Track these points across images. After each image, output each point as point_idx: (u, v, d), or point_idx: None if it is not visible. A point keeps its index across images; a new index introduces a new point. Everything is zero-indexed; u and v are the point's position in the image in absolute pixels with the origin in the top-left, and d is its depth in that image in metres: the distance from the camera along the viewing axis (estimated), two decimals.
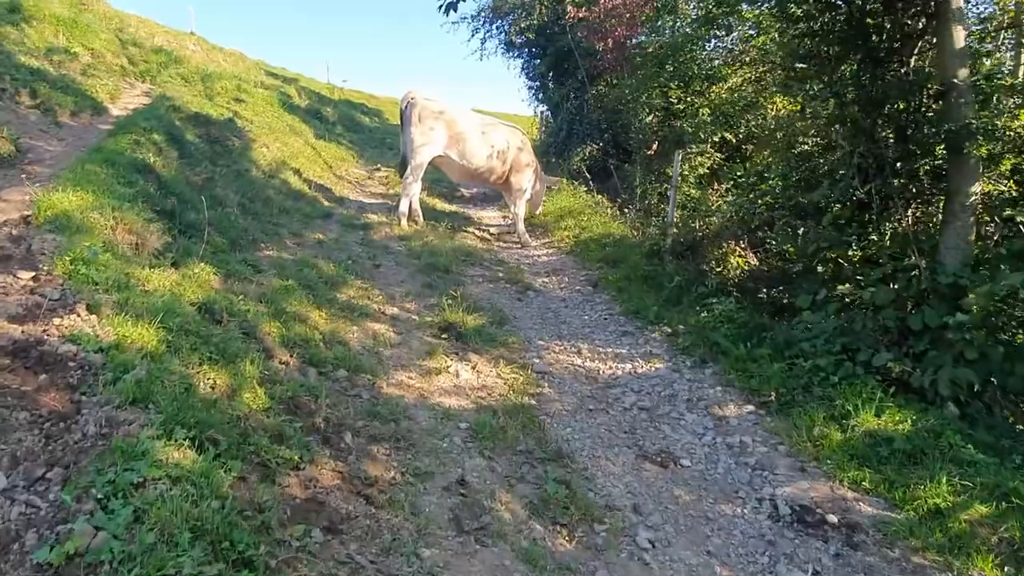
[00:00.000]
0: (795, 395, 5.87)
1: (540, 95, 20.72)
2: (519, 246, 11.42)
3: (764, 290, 8.10)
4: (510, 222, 12.86)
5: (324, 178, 12.60)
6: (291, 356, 4.99)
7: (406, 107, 10.87)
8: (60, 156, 7.64)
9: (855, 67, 6.71)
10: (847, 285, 6.69)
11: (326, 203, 10.99)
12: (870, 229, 6.79)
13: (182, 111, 9.78)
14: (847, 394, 5.46)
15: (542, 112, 20.67)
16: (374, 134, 22.12)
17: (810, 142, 7.56)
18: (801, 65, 7.44)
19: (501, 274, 9.37)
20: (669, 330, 7.56)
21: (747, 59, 12.06)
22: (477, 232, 11.85)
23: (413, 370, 5.79)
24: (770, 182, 9.06)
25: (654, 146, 14.23)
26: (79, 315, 3.80)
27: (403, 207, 10.80)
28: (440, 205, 13.54)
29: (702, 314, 7.55)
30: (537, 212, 12.43)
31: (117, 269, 4.68)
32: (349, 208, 11.43)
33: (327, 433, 4.17)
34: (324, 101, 22.89)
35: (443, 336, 6.64)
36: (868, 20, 6.47)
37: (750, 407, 5.94)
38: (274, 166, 10.70)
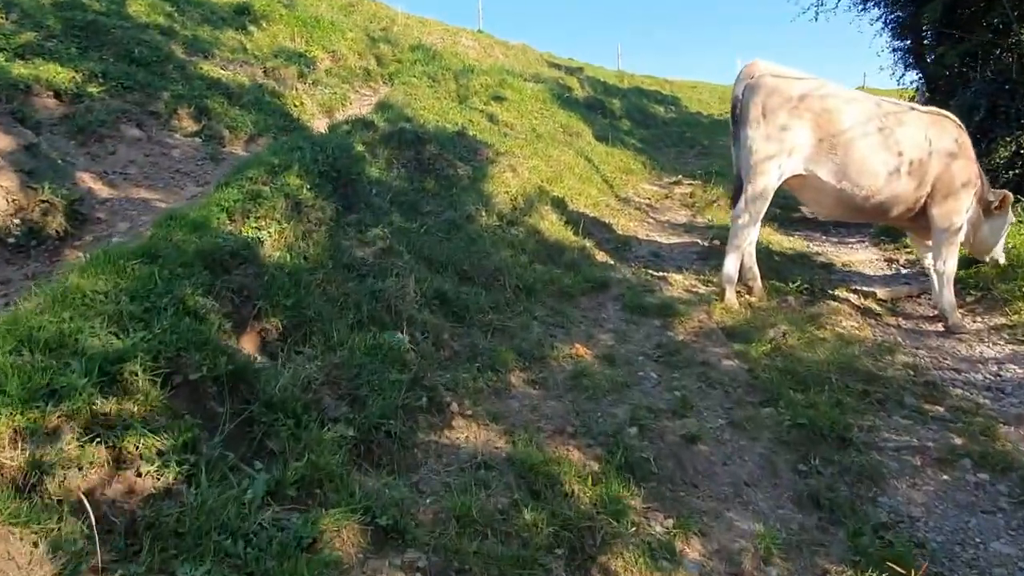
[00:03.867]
0: None
1: (910, 60, 14.16)
2: (942, 330, 6.02)
3: None
4: (915, 271, 7.41)
5: (600, 206, 8.31)
6: None
7: (744, 92, 6.06)
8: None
9: None
10: None
11: (600, 257, 6.67)
12: None
13: (376, 128, 6.19)
14: None
15: (918, 84, 14.08)
16: (669, 127, 17.38)
17: None
18: None
19: (956, 437, 4.20)
20: None
21: None
22: (852, 298, 6.62)
23: None
24: None
25: None
26: None
27: (729, 268, 6.04)
28: (775, 239, 8.45)
29: None
30: (995, 260, 6.56)
31: None
32: (636, 262, 6.97)
33: None
34: (610, 91, 18.71)
35: None
36: None
37: None
38: (521, 201, 6.66)
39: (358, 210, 4.91)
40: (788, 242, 8.53)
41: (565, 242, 6.41)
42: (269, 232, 4.02)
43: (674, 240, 8.05)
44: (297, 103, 7.92)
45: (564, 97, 13.98)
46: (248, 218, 4.05)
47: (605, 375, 4.30)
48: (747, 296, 6.23)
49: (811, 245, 8.56)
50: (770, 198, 6.01)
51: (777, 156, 5.85)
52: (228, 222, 3.97)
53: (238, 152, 6.50)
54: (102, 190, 4.96)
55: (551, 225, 6.57)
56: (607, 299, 5.76)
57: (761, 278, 6.39)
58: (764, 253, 7.69)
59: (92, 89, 5.95)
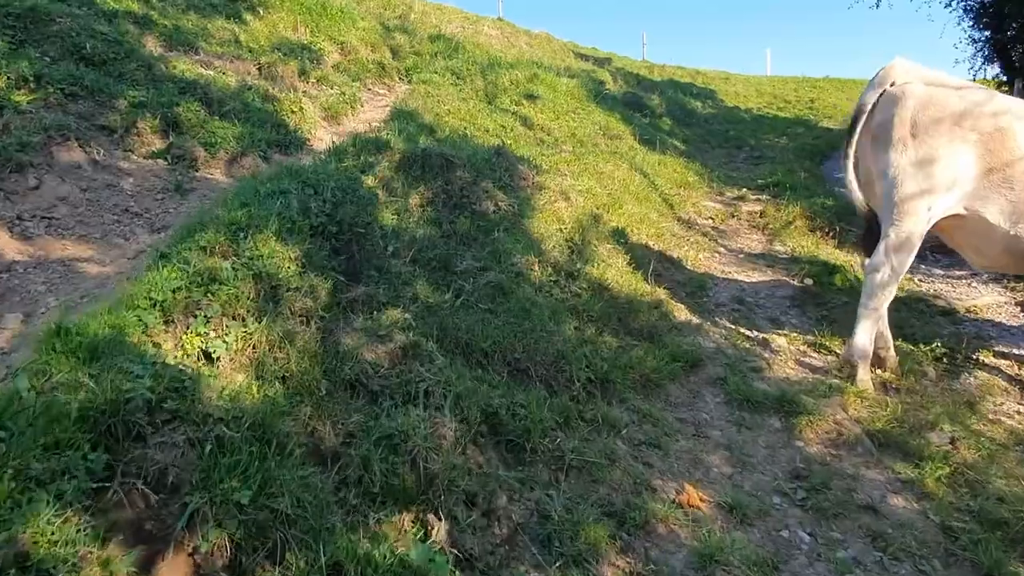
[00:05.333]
0: None
1: (991, 52, 12.46)
2: None
3: None
4: None
5: (665, 235, 6.74)
6: None
7: (882, 102, 4.46)
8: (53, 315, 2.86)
9: None
10: None
11: (679, 313, 5.12)
12: None
13: (392, 150, 4.63)
14: None
15: (999, 78, 12.38)
16: (710, 125, 15.69)
17: None
18: None
19: None
20: None
21: None
22: (1003, 365, 5.06)
23: None
24: None
25: None
26: None
27: (862, 340, 4.46)
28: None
29: None
30: None
31: None
32: (720, 314, 5.42)
33: None
34: (644, 85, 17.07)
35: None
36: None
37: None
38: (577, 239, 5.12)
39: (367, 278, 3.40)
40: None
41: (636, 297, 4.86)
42: (226, 342, 2.52)
43: (756, 278, 6.48)
44: (295, 108, 6.38)
45: (599, 93, 12.38)
46: (194, 318, 2.55)
47: (739, 550, 2.76)
48: (880, 374, 4.68)
49: (918, 281, 6.96)
50: (918, 246, 4.43)
51: (931, 192, 4.27)
52: (162, 328, 2.47)
53: (215, 177, 5.00)
54: (7, 247, 3.46)
55: (617, 273, 5.01)
56: (703, 384, 4.22)
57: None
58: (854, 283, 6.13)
59: (19, 98, 4.45)
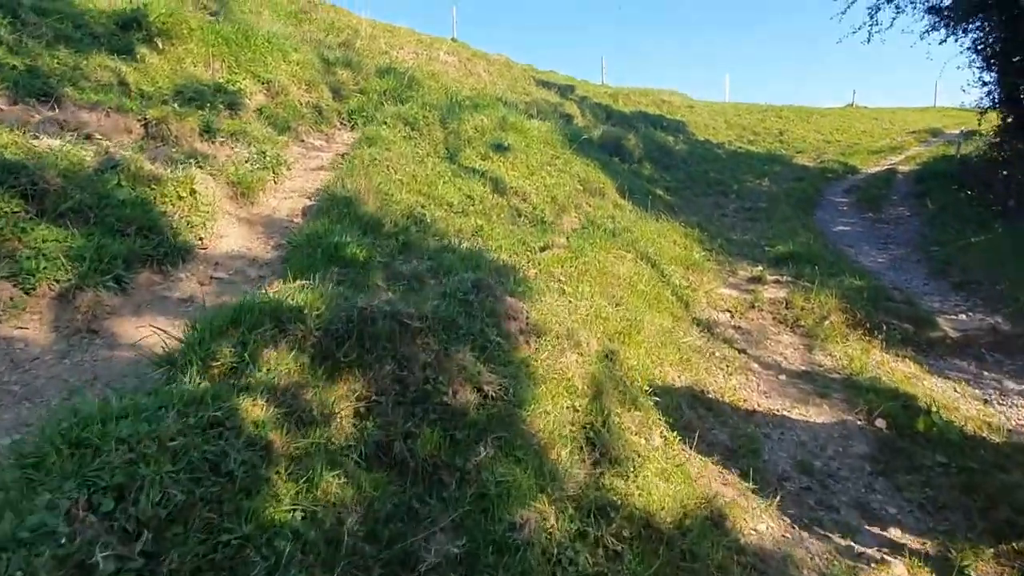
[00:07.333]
0: None
1: (999, 95, 11.28)
2: None
3: None
4: None
5: (690, 359, 5.03)
6: None
7: None
8: None
9: None
10: None
11: (743, 523, 3.41)
12: None
13: (305, 321, 2.80)
14: None
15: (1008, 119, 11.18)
16: (689, 166, 14.21)
17: None
18: None
19: None
20: None
21: None
22: None
23: None
24: None
25: None
26: None
27: None
28: (939, 396, 5.35)
29: None
30: None
31: None
32: (793, 502, 3.76)
33: None
34: (615, 119, 15.55)
35: None
36: None
37: None
38: (597, 420, 3.37)
39: None
40: (972, 406, 5.36)
41: (690, 515, 3.12)
42: None
43: (811, 416, 4.83)
44: (184, 192, 4.45)
45: (571, 134, 10.72)
46: None
47: None
48: None
49: (1006, 412, 5.40)
50: None
51: None
52: None
53: (27, 336, 3.06)
54: None
55: (658, 474, 3.26)
56: None
57: None
58: (956, 446, 4.55)
59: None
